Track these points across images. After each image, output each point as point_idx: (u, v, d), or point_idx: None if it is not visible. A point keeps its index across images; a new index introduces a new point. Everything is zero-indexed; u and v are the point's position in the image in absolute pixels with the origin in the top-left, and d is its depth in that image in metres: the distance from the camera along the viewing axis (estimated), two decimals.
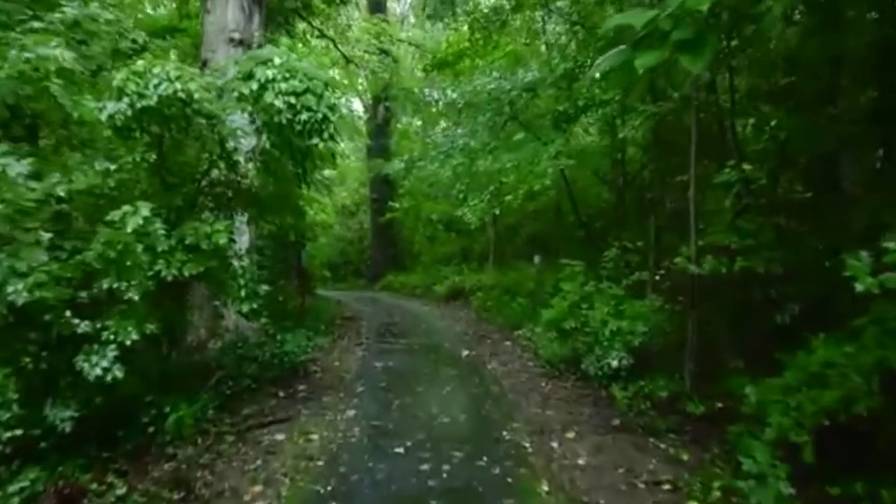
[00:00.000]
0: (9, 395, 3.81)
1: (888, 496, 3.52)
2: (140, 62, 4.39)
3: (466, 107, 9.82)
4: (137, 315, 4.46)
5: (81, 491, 4.11)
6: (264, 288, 5.71)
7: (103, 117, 4.28)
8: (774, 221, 5.91)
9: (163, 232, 4.45)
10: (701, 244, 6.42)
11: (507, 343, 10.24)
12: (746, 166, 5.30)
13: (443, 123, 14.81)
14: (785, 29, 7.80)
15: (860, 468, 3.78)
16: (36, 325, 4.22)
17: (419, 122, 25.34)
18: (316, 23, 10.13)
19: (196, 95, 4.40)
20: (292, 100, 5.08)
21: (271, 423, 5.84)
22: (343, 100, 11.90)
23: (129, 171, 4.88)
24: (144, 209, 4.21)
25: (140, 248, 4.34)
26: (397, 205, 21.81)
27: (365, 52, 12.71)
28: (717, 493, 4.27)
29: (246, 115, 5.58)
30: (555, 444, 5.29)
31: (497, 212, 14.21)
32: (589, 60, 8.84)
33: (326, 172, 24.54)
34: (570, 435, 5.55)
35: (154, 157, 4.94)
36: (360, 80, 13.71)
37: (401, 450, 5.06)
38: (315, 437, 5.45)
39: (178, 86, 4.31)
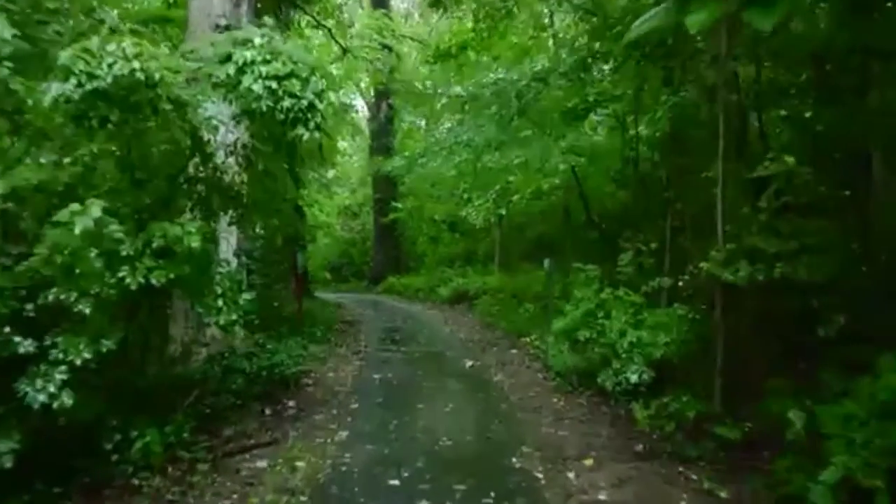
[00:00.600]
0: None
1: None
2: (94, 38, 3.79)
3: (471, 100, 9.21)
4: (91, 330, 3.87)
5: None
6: (246, 297, 5.10)
7: (46, 101, 3.68)
8: (816, 223, 5.28)
9: (120, 234, 3.84)
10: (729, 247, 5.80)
11: (514, 351, 9.62)
12: (789, 158, 4.68)
13: (447, 124, 14.21)
14: (813, 14, 7.22)
15: None
16: None
17: (423, 122, 24.81)
18: (313, 11, 9.54)
19: (157, 76, 3.80)
20: (274, 84, 4.48)
21: (254, 446, 5.25)
22: (341, 92, 11.35)
23: (88, 165, 4.28)
24: (95, 208, 3.61)
25: (93, 252, 3.75)
26: (400, 205, 21.23)
27: (366, 46, 12.13)
28: None
29: (226, 104, 5.01)
30: (571, 475, 4.67)
31: (503, 212, 13.70)
32: (602, 50, 8.20)
33: (328, 173, 24.12)
34: (588, 462, 4.93)
35: (115, 148, 4.33)
36: (361, 76, 13.11)
37: (396, 482, 4.45)
38: (301, 464, 4.85)
39: (136, 65, 3.71)
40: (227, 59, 4.58)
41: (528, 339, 10.32)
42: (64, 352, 3.72)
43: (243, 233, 7.76)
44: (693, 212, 11.19)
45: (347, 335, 11.51)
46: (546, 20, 11.44)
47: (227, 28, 7.27)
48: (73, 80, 3.61)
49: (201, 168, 5.25)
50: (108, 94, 3.95)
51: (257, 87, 4.43)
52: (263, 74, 4.48)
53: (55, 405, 3.64)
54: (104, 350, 3.94)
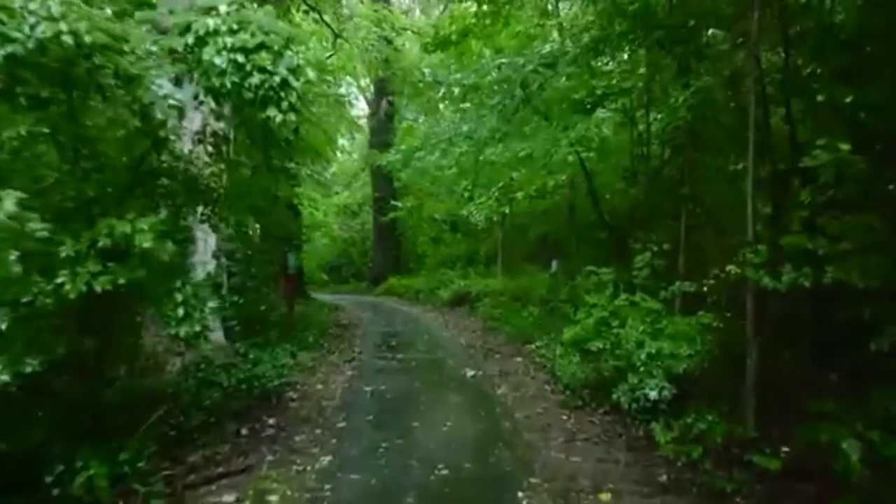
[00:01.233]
0: None
1: None
2: None
3: (472, 90, 8.55)
4: (11, 351, 3.22)
5: None
6: (211, 305, 4.45)
7: None
8: (864, 219, 4.61)
9: (45, 233, 3.20)
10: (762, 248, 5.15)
11: (519, 359, 8.96)
12: (843, 146, 4.02)
13: (447, 113, 13.52)
14: None
15: None
16: None
17: (423, 117, 24.19)
18: None
19: (89, 39, 3.14)
20: (240, 58, 3.84)
21: (222, 476, 4.59)
22: (336, 83, 10.71)
23: (17, 150, 3.64)
24: (9, 201, 2.97)
25: (13, 256, 3.10)
26: (400, 204, 20.58)
27: (362, 34, 11.50)
28: None
29: (193, 83, 4.36)
30: None
31: (506, 210, 13.04)
32: (612, 32, 7.52)
33: (325, 170, 23.48)
34: (606, 497, 4.27)
35: (48, 130, 3.68)
36: (356, 65, 12.47)
37: None
38: (274, 498, 4.20)
39: (63, 26, 3.06)
40: (187, 29, 3.93)
41: (533, 346, 9.67)
42: None
43: (220, 232, 7.12)
44: (709, 209, 10.60)
45: (342, 340, 10.86)
46: (550, 7, 10.80)
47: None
48: None
49: (164, 157, 4.61)
50: (39, 65, 3.31)
51: (220, 61, 3.80)
52: (228, 46, 3.85)
53: None
54: (29, 370, 3.29)
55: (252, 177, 5.47)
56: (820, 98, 5.88)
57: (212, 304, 4.56)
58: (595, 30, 6.82)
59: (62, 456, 4.04)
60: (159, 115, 3.99)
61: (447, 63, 10.15)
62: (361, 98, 26.81)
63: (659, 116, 7.73)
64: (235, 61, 3.81)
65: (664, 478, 4.63)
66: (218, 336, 6.87)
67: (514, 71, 7.40)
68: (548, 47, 7.56)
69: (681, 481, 4.54)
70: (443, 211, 19.70)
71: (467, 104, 9.44)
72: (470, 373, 7.94)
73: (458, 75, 8.20)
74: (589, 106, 9.14)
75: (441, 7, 17.59)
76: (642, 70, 10.85)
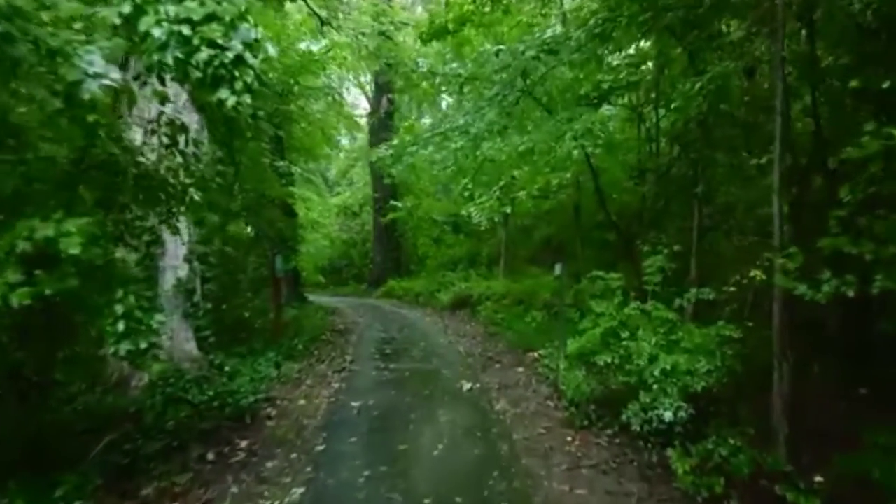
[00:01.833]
0: None
1: None
2: None
3: (470, 81, 7.97)
4: None
5: None
6: (159, 318, 3.85)
7: None
8: None
9: None
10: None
11: (520, 370, 8.36)
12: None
13: (450, 111, 12.91)
14: None
15: None
16: None
17: (416, 109, 23.68)
18: None
19: None
20: (185, 30, 3.26)
21: None
22: (332, 80, 10.13)
23: None
24: None
25: None
26: (400, 204, 19.99)
27: (354, 28, 10.92)
28: None
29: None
30: None
31: (508, 210, 12.43)
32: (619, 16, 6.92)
33: (320, 168, 22.91)
34: None
35: None
36: (348, 57, 11.90)
37: None
38: None
39: None
40: None
41: (535, 354, 9.07)
42: None
43: (192, 234, 6.56)
44: (721, 209, 9.98)
45: (334, 347, 10.28)
46: None
47: None
48: None
49: (114, 150, 4.04)
50: None
51: (160, 33, 3.21)
52: (171, 16, 3.26)
53: None
54: None
55: (217, 173, 4.87)
56: (853, 84, 5.24)
57: (160, 317, 3.91)
58: (602, 12, 6.19)
59: None
60: (84, 94, 3.39)
61: (444, 55, 9.54)
62: (363, 98, 26.38)
63: (673, 105, 7.08)
64: (179, 34, 3.24)
65: None
66: (190, 347, 6.31)
67: (514, 59, 6.80)
68: (549, 32, 6.96)
69: None
70: (439, 211, 19.10)
71: (467, 96, 8.83)
72: (466, 386, 7.34)
73: (455, 65, 7.59)
74: (595, 100, 8.56)
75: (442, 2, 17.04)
76: (649, 64, 10.30)
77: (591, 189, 12.43)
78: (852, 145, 3.65)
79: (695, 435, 5.04)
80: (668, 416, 4.96)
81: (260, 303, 9.47)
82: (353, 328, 12.93)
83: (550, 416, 6.21)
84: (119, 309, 3.62)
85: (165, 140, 4.26)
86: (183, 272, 6.27)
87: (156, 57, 3.22)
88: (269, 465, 4.85)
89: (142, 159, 4.17)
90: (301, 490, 4.35)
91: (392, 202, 20.23)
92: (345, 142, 26.81)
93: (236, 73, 3.35)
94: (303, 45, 8.64)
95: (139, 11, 3.25)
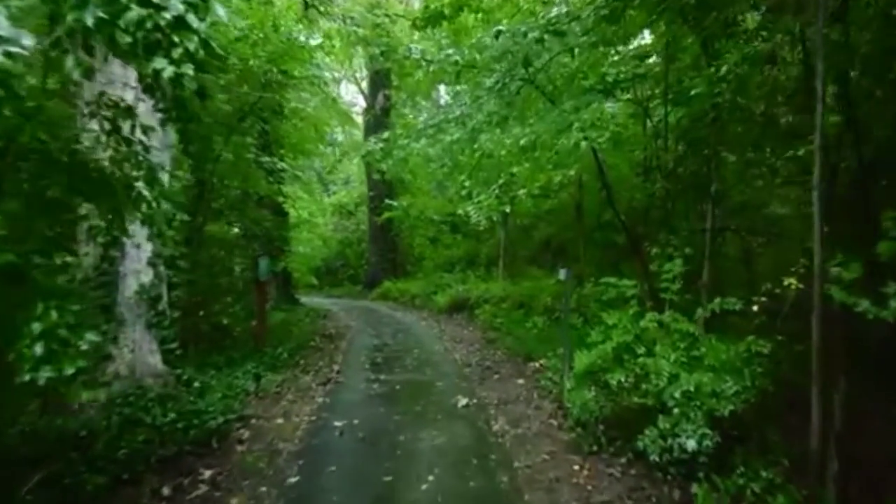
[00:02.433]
0: None
1: None
2: None
3: (467, 69, 7.33)
4: None
5: None
6: (91, 339, 3.20)
7: None
8: None
9: None
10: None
11: (520, 381, 7.73)
12: None
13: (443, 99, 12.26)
14: None
15: None
16: None
17: (424, 113, 23.00)
18: None
19: None
20: None
21: None
22: (321, 68, 9.47)
23: None
24: None
25: None
26: (396, 203, 19.36)
27: (349, 18, 10.30)
28: None
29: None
30: None
31: (507, 209, 11.82)
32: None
33: (314, 166, 22.24)
34: None
35: None
36: (336, 44, 11.27)
37: None
38: None
39: None
40: None
41: (537, 364, 8.47)
42: None
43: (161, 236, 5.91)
44: (734, 209, 9.37)
45: (322, 355, 9.65)
46: None
47: None
48: None
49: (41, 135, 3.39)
50: None
51: None
52: None
53: None
54: None
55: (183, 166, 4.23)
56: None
57: (91, 335, 3.26)
58: None
59: None
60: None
61: (440, 41, 8.90)
62: (360, 97, 25.72)
63: (694, 91, 6.47)
64: None
65: None
66: (154, 361, 5.67)
67: (515, 43, 6.17)
68: (555, 10, 6.33)
69: None
70: (436, 210, 18.46)
71: (464, 87, 8.21)
72: (462, 402, 6.71)
73: (451, 51, 6.94)
74: (601, 91, 7.95)
75: None
76: (654, 58, 9.68)
77: (594, 188, 11.84)
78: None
79: (719, 465, 4.44)
80: (690, 444, 4.34)
81: (240, 308, 8.81)
82: (344, 333, 12.30)
83: (554, 437, 5.58)
84: (37, 327, 2.98)
85: (107, 126, 3.63)
86: (147, 277, 5.63)
87: (71, 17, 2.58)
88: (233, 502, 4.21)
89: (80, 147, 3.53)
90: None
91: (388, 201, 19.60)
92: (340, 139, 26.19)
93: (175, 39, 2.72)
94: (295, 36, 7.98)
95: None
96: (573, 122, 5.73)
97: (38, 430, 4.83)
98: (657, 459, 4.48)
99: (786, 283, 4.53)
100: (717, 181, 7.72)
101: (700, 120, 9.32)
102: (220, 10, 2.88)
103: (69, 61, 2.85)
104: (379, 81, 22.30)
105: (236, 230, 10.18)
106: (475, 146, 6.47)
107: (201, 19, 2.81)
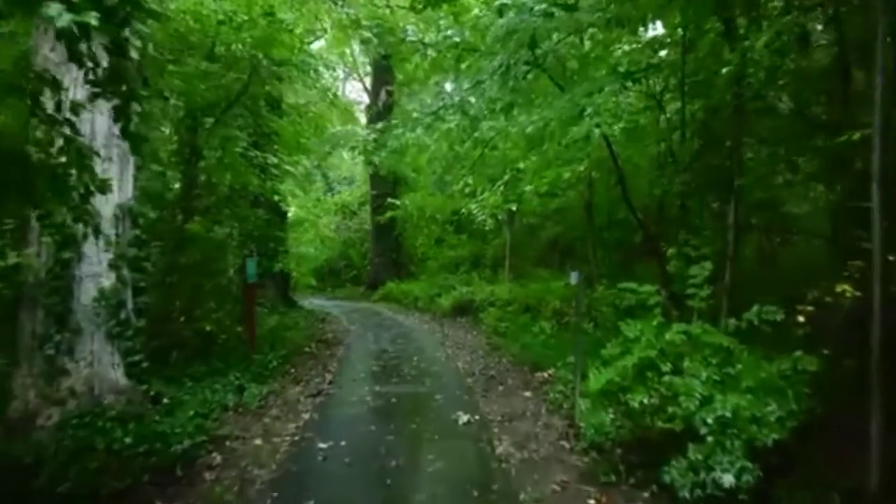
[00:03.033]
0: None
1: None
2: None
3: (468, 54, 6.70)
4: None
5: None
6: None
7: None
8: None
9: None
10: None
11: (527, 394, 7.10)
12: None
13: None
14: None
15: None
16: None
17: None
18: None
19: None
20: None
21: None
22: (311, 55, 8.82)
23: None
24: None
25: None
26: (398, 202, 18.74)
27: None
28: None
29: None
30: None
31: (514, 208, 11.21)
32: None
33: (316, 164, 21.64)
34: None
35: None
36: (327, 27, 10.65)
37: None
38: None
39: None
40: None
41: (545, 374, 7.82)
42: None
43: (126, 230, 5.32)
44: (756, 205, 8.68)
45: (316, 363, 9.05)
46: None
47: None
48: None
49: None
50: None
51: None
52: None
53: None
54: None
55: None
56: None
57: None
58: None
59: None
60: None
61: (439, 21, 8.26)
62: (365, 95, 25.09)
63: (725, 70, 5.84)
64: None
65: None
66: (116, 375, 5.06)
67: (521, 20, 5.53)
68: None
69: None
70: (437, 208, 17.79)
71: (464, 73, 7.57)
72: (463, 418, 6.07)
73: (451, 31, 6.31)
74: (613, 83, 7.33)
75: None
76: (667, 52, 9.05)
77: (604, 185, 11.18)
78: None
79: (761, 502, 3.79)
80: (727, 479, 3.70)
81: (225, 314, 8.20)
82: (342, 338, 11.70)
83: (566, 463, 4.93)
84: None
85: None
86: (108, 281, 5.02)
87: None
88: None
89: None
90: None
91: (390, 200, 18.99)
92: (333, 130, 25.54)
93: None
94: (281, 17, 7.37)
95: None
96: (585, 108, 5.09)
97: None
98: (687, 496, 3.83)
99: (838, 289, 3.86)
100: (740, 176, 7.08)
101: (718, 112, 8.69)
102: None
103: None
104: (381, 78, 21.73)
105: (225, 230, 9.58)
106: (476, 135, 5.83)
107: None
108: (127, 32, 2.65)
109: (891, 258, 3.69)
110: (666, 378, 4.13)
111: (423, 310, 16.33)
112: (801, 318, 4.03)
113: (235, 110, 8.53)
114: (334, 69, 15.44)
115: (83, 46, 2.42)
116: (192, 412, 5.30)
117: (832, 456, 4.02)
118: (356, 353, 10.03)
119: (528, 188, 9.17)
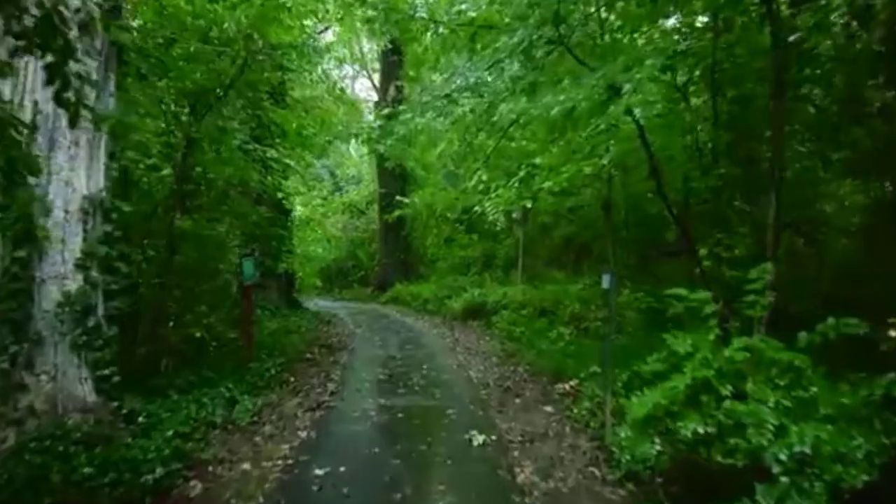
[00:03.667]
0: None
1: None
2: None
3: (483, 33, 6.03)
4: None
5: None
6: None
7: None
8: None
9: None
10: None
11: (548, 409, 6.42)
12: None
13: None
14: None
15: None
16: None
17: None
18: None
19: None
20: None
21: None
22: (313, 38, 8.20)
23: None
24: None
25: None
26: (407, 199, 18.10)
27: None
28: None
29: None
30: None
31: (529, 205, 10.50)
32: None
33: (320, 163, 21.06)
34: None
35: None
36: (330, 7, 10.03)
37: None
38: None
39: None
40: None
41: (566, 386, 7.14)
42: None
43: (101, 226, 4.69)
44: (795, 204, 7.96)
45: (319, 370, 8.43)
46: None
47: None
48: None
49: None
50: None
51: None
52: None
53: None
54: None
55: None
56: None
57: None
58: None
59: None
60: None
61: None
62: (374, 93, 24.49)
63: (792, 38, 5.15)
64: None
65: None
66: (83, 391, 4.44)
67: None
68: None
69: None
70: (447, 205, 17.10)
71: (479, 53, 6.90)
72: (479, 438, 5.40)
73: (464, 5, 5.65)
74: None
75: None
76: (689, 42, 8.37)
77: (621, 182, 10.48)
78: None
79: None
80: None
81: (218, 319, 7.56)
82: (347, 342, 11.08)
83: (599, 497, 4.24)
84: None
85: None
86: (73, 285, 4.40)
87: None
88: None
89: None
90: None
91: (399, 198, 18.35)
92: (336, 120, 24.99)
93: None
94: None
95: None
96: (622, 86, 4.40)
97: None
98: None
99: None
100: (783, 168, 6.40)
101: (751, 102, 8.03)
102: None
103: None
104: (390, 74, 21.17)
105: (223, 228, 8.96)
106: (494, 119, 5.16)
107: None
108: None
109: None
110: (726, 403, 3.43)
111: (432, 312, 15.69)
112: (892, 333, 3.32)
113: (232, 98, 7.93)
114: (342, 61, 14.81)
115: None
116: (170, 432, 4.66)
117: None
118: (362, 359, 9.39)
119: (546, 185, 8.48)
